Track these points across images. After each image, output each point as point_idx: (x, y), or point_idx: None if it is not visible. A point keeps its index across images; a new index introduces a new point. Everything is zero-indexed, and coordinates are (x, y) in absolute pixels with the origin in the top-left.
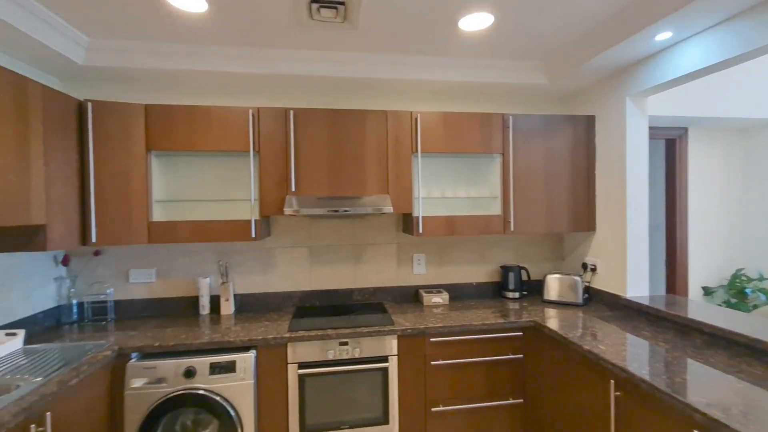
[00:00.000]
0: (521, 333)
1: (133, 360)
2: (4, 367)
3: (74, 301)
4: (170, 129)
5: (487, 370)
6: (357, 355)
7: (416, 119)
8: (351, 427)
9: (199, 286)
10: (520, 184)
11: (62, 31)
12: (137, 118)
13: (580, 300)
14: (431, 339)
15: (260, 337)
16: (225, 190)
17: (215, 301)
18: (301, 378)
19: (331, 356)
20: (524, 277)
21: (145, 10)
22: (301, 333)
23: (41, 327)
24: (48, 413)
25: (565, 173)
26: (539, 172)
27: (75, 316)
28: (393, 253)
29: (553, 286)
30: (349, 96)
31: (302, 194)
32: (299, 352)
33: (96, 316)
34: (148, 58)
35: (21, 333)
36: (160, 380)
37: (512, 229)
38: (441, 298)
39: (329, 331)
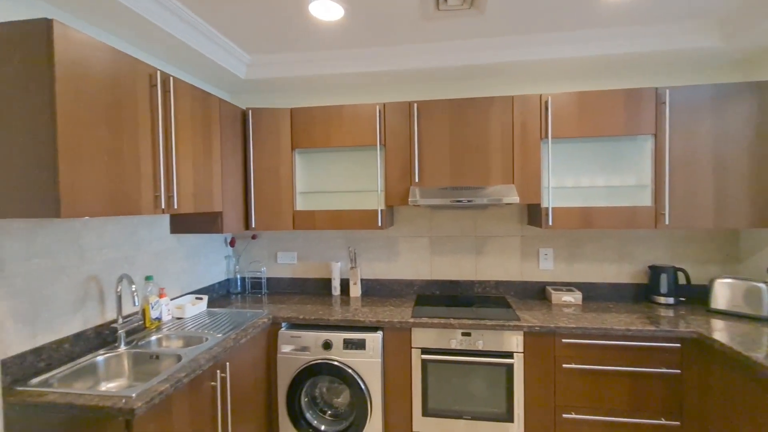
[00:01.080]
0: (679, 345)
1: (283, 329)
2: (196, 323)
3: (238, 276)
4: (310, 129)
5: (631, 382)
6: (480, 348)
7: (546, 102)
8: (473, 418)
9: (332, 269)
10: (678, 170)
11: (231, 52)
12: (284, 120)
13: (764, 312)
14: (563, 340)
15: (386, 320)
16: (354, 181)
17: (345, 284)
18: (424, 363)
19: (453, 345)
20: (681, 280)
21: (293, 27)
22: (424, 319)
23: (217, 295)
24: (227, 363)
25: (745, 155)
26: (706, 155)
27: (239, 288)
28: (517, 246)
29: (724, 293)
30: (473, 84)
31: (425, 185)
32: (422, 337)
33: (253, 289)
34: (294, 67)
35: (205, 298)
36: (304, 348)
37: (667, 222)
38: (572, 297)
39: (452, 320)
